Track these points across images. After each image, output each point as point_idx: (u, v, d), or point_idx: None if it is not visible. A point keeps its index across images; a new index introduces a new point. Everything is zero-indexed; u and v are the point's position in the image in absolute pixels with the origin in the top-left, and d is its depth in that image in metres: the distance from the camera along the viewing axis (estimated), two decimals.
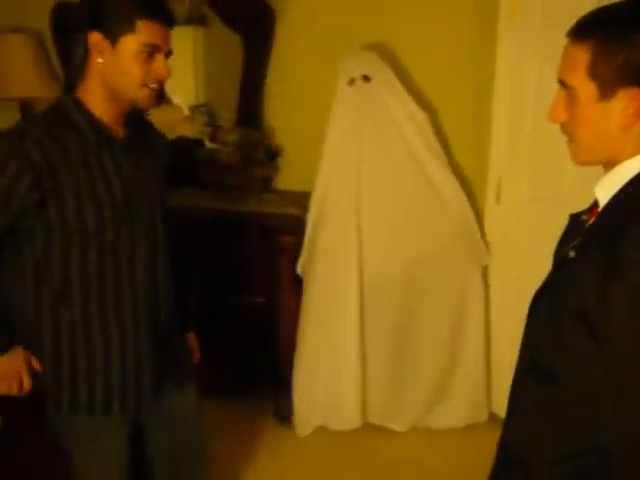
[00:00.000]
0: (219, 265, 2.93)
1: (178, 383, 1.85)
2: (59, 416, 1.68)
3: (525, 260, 2.75)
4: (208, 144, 3.32)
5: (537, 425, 1.19)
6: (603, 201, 1.14)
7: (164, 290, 1.74)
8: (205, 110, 3.38)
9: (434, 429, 2.94)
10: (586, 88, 1.10)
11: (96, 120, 1.57)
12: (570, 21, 2.42)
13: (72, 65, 3.55)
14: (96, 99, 1.57)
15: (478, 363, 2.89)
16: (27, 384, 1.64)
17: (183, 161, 2.97)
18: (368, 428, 2.91)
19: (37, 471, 2.03)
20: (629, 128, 1.08)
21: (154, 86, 1.56)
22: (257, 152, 3.12)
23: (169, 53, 1.57)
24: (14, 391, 1.64)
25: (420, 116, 2.76)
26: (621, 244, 1.03)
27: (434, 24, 2.91)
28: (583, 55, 1.09)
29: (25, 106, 3.61)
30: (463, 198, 2.83)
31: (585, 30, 1.10)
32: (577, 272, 1.11)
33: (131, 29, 1.49)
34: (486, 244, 2.92)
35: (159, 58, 1.54)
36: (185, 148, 3.14)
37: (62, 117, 1.56)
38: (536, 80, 2.68)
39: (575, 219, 1.25)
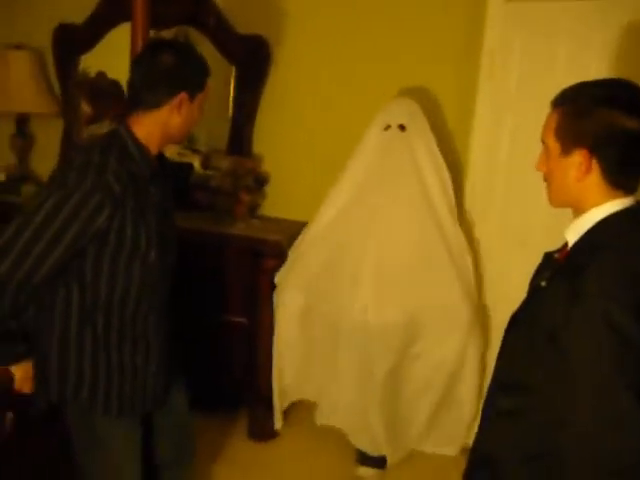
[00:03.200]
0: (204, 284, 3.08)
1: (177, 381, 2.06)
2: (97, 419, 1.85)
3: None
4: (198, 168, 3.49)
5: (505, 429, 1.40)
6: (571, 242, 1.39)
7: (170, 300, 1.97)
8: None
9: (427, 454, 2.97)
10: (553, 145, 1.37)
11: (150, 155, 1.78)
12: (540, 83, 2.70)
13: (68, 84, 3.70)
14: (152, 138, 1.78)
15: (472, 403, 2.88)
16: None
17: (177, 184, 3.12)
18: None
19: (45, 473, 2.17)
20: (582, 181, 1.35)
21: None
22: (246, 179, 3.29)
23: None
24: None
25: (445, 175, 2.84)
26: (583, 278, 1.26)
27: (419, 77, 3.11)
28: (554, 120, 1.37)
29: (21, 120, 3.74)
30: (469, 259, 2.86)
31: (559, 100, 1.38)
32: (547, 299, 1.35)
33: (201, 89, 1.81)
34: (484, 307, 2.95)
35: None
36: (179, 172, 3.30)
37: (124, 149, 1.74)
38: (510, 134, 2.92)
39: (548, 256, 1.49)
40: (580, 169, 1.33)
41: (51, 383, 1.82)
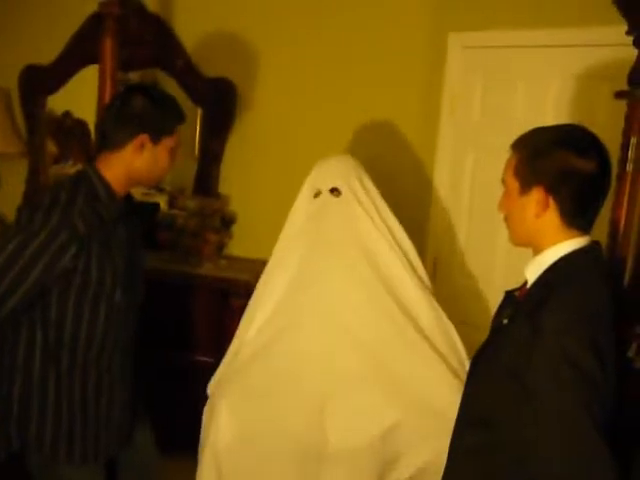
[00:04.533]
0: (171, 323, 3.07)
1: (142, 419, 2.06)
2: (60, 467, 1.82)
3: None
4: (164, 208, 3.50)
5: (471, 468, 1.41)
6: (530, 280, 1.44)
7: (136, 338, 1.97)
8: None
9: None
10: (513, 184, 1.44)
11: (117, 197, 1.80)
12: (501, 117, 2.77)
13: (34, 123, 3.70)
14: (118, 180, 1.80)
15: None
16: None
17: (143, 224, 3.12)
18: None
19: None
20: (540, 217, 1.41)
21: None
22: (213, 219, 3.31)
23: None
24: None
25: (399, 235, 2.27)
26: (539, 316, 1.30)
27: (384, 113, 3.18)
28: (513, 160, 1.44)
29: None
30: (448, 325, 2.21)
31: (518, 143, 1.46)
32: (509, 336, 1.39)
33: (170, 133, 1.83)
34: None
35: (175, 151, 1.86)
36: (144, 212, 3.31)
37: (90, 189, 1.76)
38: (472, 169, 3.00)
39: (509, 294, 1.53)
40: (538, 206, 1.39)
41: (12, 429, 1.79)
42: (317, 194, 2.22)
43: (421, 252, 3.11)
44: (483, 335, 1.54)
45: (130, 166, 1.79)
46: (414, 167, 3.16)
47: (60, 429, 1.77)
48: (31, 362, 1.76)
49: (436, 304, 2.22)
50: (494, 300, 1.62)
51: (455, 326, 2.22)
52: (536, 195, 1.39)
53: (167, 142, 1.81)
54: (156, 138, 1.78)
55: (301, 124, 3.29)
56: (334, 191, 2.20)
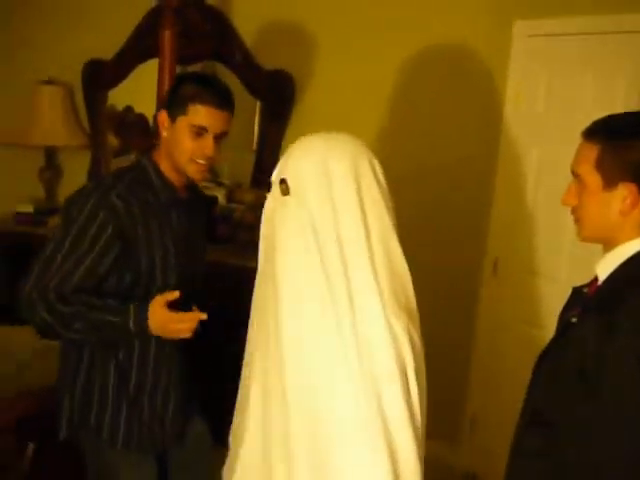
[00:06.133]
0: (224, 316, 3.06)
1: (196, 415, 2.04)
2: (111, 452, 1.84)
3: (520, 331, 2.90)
4: (222, 201, 3.51)
5: (533, 470, 1.35)
6: (602, 277, 1.34)
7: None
8: None
9: None
10: (592, 178, 1.32)
11: (169, 183, 1.81)
12: (567, 109, 2.65)
13: (96, 117, 3.77)
14: (167, 166, 1.81)
15: None
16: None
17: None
18: None
19: None
20: (628, 215, 1.30)
21: (201, 162, 1.77)
22: None
23: (223, 134, 1.77)
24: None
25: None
26: (615, 313, 1.22)
27: (445, 104, 3.11)
28: (592, 152, 1.31)
29: (50, 153, 3.80)
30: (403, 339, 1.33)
31: (595, 133, 1.33)
32: (577, 335, 1.30)
33: (184, 112, 1.73)
34: None
35: (207, 137, 1.74)
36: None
37: (142, 177, 1.79)
38: (536, 163, 2.89)
39: (577, 291, 1.44)
40: (625, 203, 1.29)
41: (75, 414, 1.82)
42: (269, 185, 1.50)
43: (481, 250, 3.05)
44: (548, 334, 1.46)
45: (165, 149, 1.80)
46: (474, 161, 3.08)
47: (119, 417, 1.80)
48: (94, 352, 1.80)
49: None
50: (559, 298, 1.54)
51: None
52: (624, 191, 1.28)
53: (182, 122, 1.74)
54: (172, 116, 1.76)
55: (361, 115, 3.24)
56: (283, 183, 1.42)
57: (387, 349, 1.28)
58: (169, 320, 1.68)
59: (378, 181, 1.39)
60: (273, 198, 1.46)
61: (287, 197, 1.41)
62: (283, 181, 1.42)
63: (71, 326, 1.67)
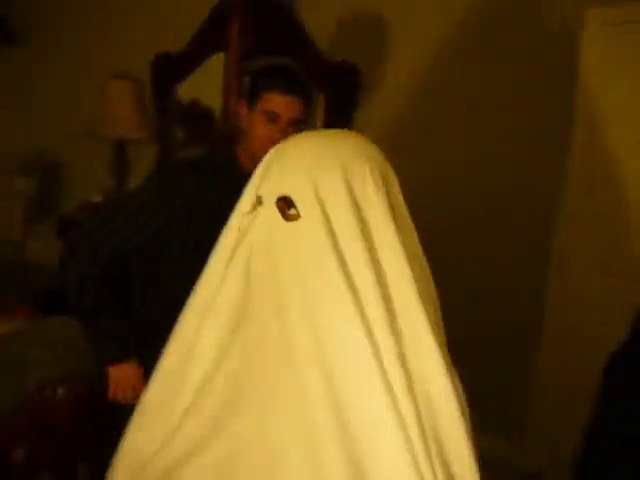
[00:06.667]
0: None
1: None
2: None
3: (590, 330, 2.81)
4: None
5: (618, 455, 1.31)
6: None
7: None
8: None
9: None
10: None
11: (239, 169, 1.84)
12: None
13: (164, 110, 3.83)
14: (245, 158, 1.86)
15: None
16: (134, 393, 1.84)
17: None
18: None
19: None
20: None
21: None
22: None
23: (296, 120, 1.80)
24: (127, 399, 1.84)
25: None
26: None
27: (511, 96, 3.05)
28: None
29: (119, 146, 3.90)
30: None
31: None
32: None
33: (258, 100, 1.81)
34: None
35: (279, 123, 1.78)
36: None
37: (211, 162, 1.90)
38: (609, 155, 2.79)
39: None
40: None
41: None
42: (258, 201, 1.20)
43: (544, 248, 2.96)
44: (617, 336, 1.41)
45: (244, 140, 1.86)
46: (542, 155, 3.00)
47: None
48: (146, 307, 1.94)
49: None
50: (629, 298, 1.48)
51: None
52: None
53: (256, 110, 1.81)
54: (250, 104, 1.83)
55: (429, 109, 3.20)
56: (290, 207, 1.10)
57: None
58: (131, 387, 1.83)
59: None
60: (267, 227, 1.12)
61: (295, 223, 1.08)
62: (287, 202, 1.10)
63: (83, 300, 1.81)
